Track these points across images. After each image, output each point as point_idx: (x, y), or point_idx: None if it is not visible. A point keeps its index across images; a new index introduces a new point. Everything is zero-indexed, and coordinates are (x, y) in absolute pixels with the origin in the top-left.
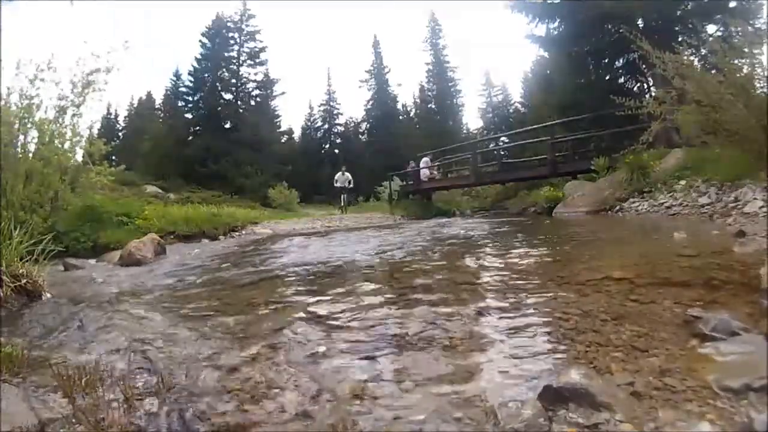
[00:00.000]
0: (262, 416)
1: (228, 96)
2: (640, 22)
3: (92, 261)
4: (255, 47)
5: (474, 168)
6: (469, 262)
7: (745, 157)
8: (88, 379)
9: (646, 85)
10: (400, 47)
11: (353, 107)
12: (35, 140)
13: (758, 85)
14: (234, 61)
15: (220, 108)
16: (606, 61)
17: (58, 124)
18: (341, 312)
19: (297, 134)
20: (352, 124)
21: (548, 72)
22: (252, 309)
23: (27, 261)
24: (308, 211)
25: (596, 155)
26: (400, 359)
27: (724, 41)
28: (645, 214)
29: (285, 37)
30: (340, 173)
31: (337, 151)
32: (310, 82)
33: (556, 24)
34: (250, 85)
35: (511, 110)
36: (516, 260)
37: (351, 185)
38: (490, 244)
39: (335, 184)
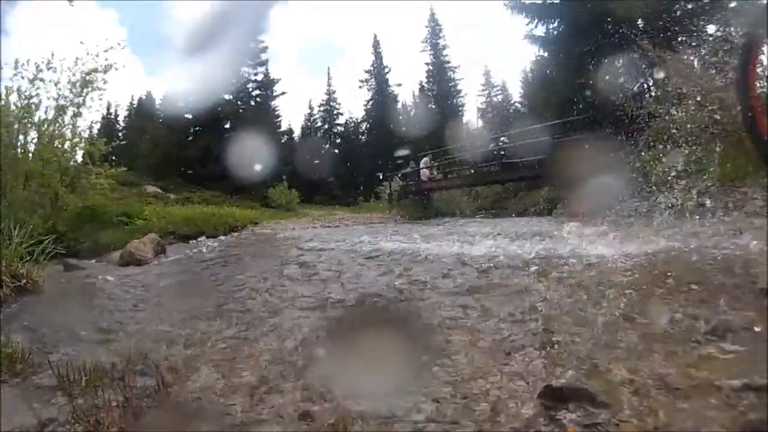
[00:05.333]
0: (262, 416)
1: (228, 96)
2: (640, 22)
3: (92, 261)
4: (255, 47)
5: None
6: (461, 255)
7: (745, 158)
8: (88, 379)
9: (646, 85)
10: (400, 47)
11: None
12: (35, 141)
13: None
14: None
15: (220, 108)
16: (606, 60)
17: (57, 125)
18: (341, 311)
19: (297, 134)
20: (352, 124)
21: (548, 72)
22: (251, 308)
23: (27, 261)
24: (308, 211)
25: None
26: (401, 359)
27: (725, 41)
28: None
29: (285, 37)
30: None
31: (337, 151)
32: (310, 82)
33: (556, 24)
34: (250, 85)
35: (511, 110)
36: (515, 257)
37: None
38: (489, 238)
39: None
